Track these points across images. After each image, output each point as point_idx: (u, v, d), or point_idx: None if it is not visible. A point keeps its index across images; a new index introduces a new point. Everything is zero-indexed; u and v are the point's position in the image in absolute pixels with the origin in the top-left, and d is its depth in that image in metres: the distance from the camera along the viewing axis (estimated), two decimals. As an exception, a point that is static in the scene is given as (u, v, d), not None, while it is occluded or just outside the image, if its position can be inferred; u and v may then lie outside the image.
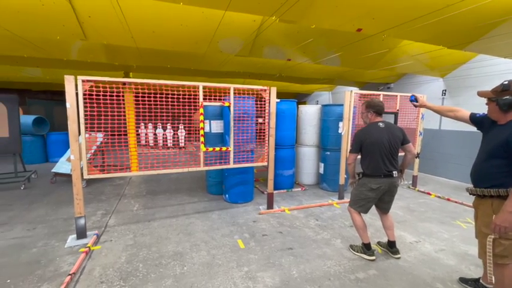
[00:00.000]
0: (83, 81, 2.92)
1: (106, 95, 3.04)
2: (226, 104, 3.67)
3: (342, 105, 4.70)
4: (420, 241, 3.19)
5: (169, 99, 3.34)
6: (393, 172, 2.58)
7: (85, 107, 2.94)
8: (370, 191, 2.62)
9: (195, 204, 4.34)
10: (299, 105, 5.61)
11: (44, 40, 3.72)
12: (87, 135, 5.78)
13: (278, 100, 4.89)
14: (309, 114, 5.36)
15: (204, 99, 3.51)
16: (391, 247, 2.84)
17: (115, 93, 3.08)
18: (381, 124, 2.59)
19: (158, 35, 3.56)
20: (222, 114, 4.42)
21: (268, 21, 3.38)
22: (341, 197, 4.61)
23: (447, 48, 3.76)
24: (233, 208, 4.15)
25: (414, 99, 2.68)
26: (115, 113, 3.17)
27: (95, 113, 3.00)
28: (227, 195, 4.42)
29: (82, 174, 3.01)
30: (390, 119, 4.86)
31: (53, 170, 5.49)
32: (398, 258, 2.77)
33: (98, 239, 3.12)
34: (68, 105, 2.87)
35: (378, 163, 2.55)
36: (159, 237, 3.18)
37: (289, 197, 4.78)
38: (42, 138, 7.76)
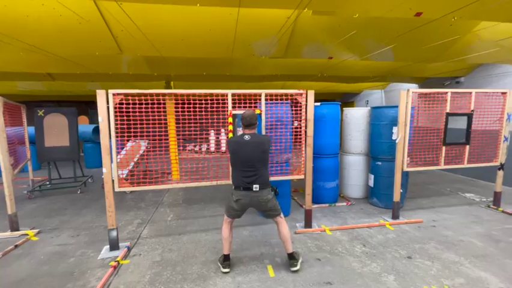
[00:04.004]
0: (114, 94, 2.93)
1: (148, 104, 3.04)
2: (257, 112, 3.35)
3: (396, 106, 3.97)
4: (512, 289, 2.37)
5: (198, 108, 3.19)
6: (254, 186, 2.51)
7: (116, 120, 2.96)
8: (233, 201, 2.62)
9: (227, 217, 4.12)
10: (344, 108, 4.99)
11: (87, 57, 3.96)
12: (132, 143, 6.11)
13: (318, 104, 4.40)
14: (356, 118, 4.70)
15: (235, 106, 3.27)
16: (289, 258, 2.71)
17: (156, 102, 3.05)
18: (246, 137, 2.58)
19: (188, 43, 3.45)
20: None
21: (303, 16, 2.96)
22: (395, 217, 3.87)
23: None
24: (266, 224, 3.80)
25: None
26: (156, 121, 3.16)
27: (136, 122, 3.02)
28: (261, 209, 4.09)
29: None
30: (462, 122, 3.94)
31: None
32: (295, 271, 2.62)
33: (128, 252, 3.10)
34: (100, 119, 2.91)
35: (238, 175, 2.59)
36: (186, 255, 3.02)
37: (331, 213, 4.22)
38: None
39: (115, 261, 2.84)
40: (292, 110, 3.69)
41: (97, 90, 2.87)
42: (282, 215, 2.72)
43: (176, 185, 3.27)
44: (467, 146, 3.96)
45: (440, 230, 3.55)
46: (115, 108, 2.95)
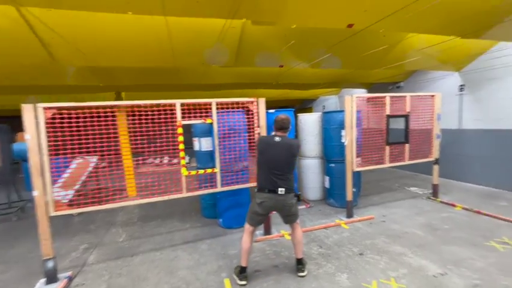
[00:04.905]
0: (44, 108, 2.65)
1: (86, 118, 2.79)
2: (209, 121, 3.30)
3: (343, 111, 4.21)
4: (447, 273, 2.60)
5: (145, 119, 3.03)
6: (279, 189, 2.49)
7: (48, 136, 2.67)
8: (257, 205, 2.57)
9: (185, 232, 3.94)
10: (298, 114, 5.17)
11: (15, 67, 3.54)
12: (80, 160, 5.60)
13: (272, 110, 4.50)
14: (309, 123, 4.89)
15: (187, 116, 3.17)
16: (297, 264, 2.73)
17: (95, 116, 2.82)
18: (277, 138, 2.58)
19: (131, 51, 3.28)
20: (211, 130, 4.06)
21: (248, 26, 3.02)
22: (349, 215, 4.06)
23: (460, 38, 3.22)
24: (226, 235, 3.72)
25: None
26: (105, 135, 2.91)
27: (79, 137, 2.75)
28: (221, 220, 4.00)
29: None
30: (400, 122, 4.32)
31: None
32: (302, 276, 2.63)
33: (69, 283, 2.77)
34: (27, 136, 2.60)
35: (263, 177, 2.58)
36: (136, 278, 2.80)
37: (291, 217, 4.27)
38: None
39: (51, 296, 2.51)
40: (246, 118, 3.71)
41: (23, 105, 2.57)
42: (298, 220, 2.74)
43: (124, 203, 3.04)
44: (407, 145, 4.35)
45: (389, 224, 3.80)
46: (47, 123, 2.67)
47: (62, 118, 2.76)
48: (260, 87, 6.57)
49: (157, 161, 10.65)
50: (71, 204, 2.88)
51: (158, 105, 3.04)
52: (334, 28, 2.91)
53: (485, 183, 5.25)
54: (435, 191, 4.69)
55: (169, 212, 4.88)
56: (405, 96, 4.26)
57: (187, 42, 3.02)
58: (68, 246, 3.67)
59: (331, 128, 4.47)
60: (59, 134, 2.74)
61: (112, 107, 2.89)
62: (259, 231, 3.75)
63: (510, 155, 4.79)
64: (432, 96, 4.46)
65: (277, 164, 2.54)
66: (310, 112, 11.22)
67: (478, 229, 3.48)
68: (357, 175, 4.63)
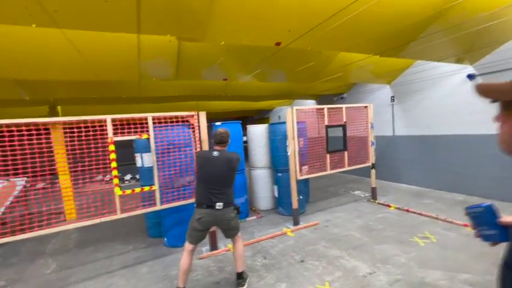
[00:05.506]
0: None
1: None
2: (145, 137, 3.17)
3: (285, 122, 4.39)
4: (375, 271, 2.80)
5: (69, 137, 2.79)
6: (217, 204, 2.50)
7: None
8: (196, 221, 2.56)
9: (126, 255, 3.67)
10: (247, 126, 5.26)
11: None
12: (5, 183, 4.94)
13: (219, 123, 4.52)
14: (257, 134, 5.00)
15: (123, 131, 3.00)
16: (237, 278, 2.72)
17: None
18: (215, 153, 2.61)
19: (51, 63, 3.04)
20: (153, 145, 3.90)
21: (184, 42, 3.02)
22: (296, 223, 4.19)
23: (379, 56, 3.61)
24: (171, 254, 3.55)
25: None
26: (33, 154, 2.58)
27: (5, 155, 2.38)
28: (165, 239, 3.82)
29: None
30: (338, 132, 4.65)
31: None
32: None
33: (-28, 332, 2.37)
34: None
35: (201, 192, 2.57)
36: (60, 315, 2.51)
37: (241, 229, 4.25)
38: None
39: None
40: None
41: None
42: (240, 233, 2.75)
43: (43, 231, 2.72)
44: (346, 152, 4.68)
45: (331, 229, 4.00)
46: None
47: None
48: (211, 99, 6.56)
49: (107, 178, 9.91)
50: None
51: (85, 121, 2.84)
52: (264, 46, 3.05)
53: (415, 183, 5.87)
54: (373, 194, 5.10)
55: (112, 234, 4.52)
56: (341, 108, 4.61)
57: (102, 56, 2.89)
58: (-20, 286, 3.16)
59: (277, 139, 4.63)
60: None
61: (28, 124, 2.61)
62: (205, 247, 3.66)
63: (432, 157, 5.45)
64: (366, 107, 4.90)
65: (215, 179, 2.56)
66: (267, 122, 11.48)
67: (405, 226, 3.84)
68: (304, 183, 4.83)
